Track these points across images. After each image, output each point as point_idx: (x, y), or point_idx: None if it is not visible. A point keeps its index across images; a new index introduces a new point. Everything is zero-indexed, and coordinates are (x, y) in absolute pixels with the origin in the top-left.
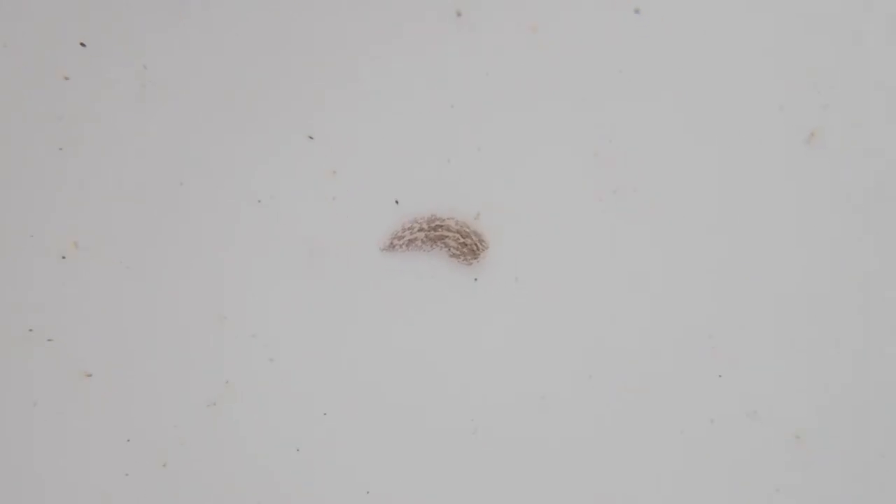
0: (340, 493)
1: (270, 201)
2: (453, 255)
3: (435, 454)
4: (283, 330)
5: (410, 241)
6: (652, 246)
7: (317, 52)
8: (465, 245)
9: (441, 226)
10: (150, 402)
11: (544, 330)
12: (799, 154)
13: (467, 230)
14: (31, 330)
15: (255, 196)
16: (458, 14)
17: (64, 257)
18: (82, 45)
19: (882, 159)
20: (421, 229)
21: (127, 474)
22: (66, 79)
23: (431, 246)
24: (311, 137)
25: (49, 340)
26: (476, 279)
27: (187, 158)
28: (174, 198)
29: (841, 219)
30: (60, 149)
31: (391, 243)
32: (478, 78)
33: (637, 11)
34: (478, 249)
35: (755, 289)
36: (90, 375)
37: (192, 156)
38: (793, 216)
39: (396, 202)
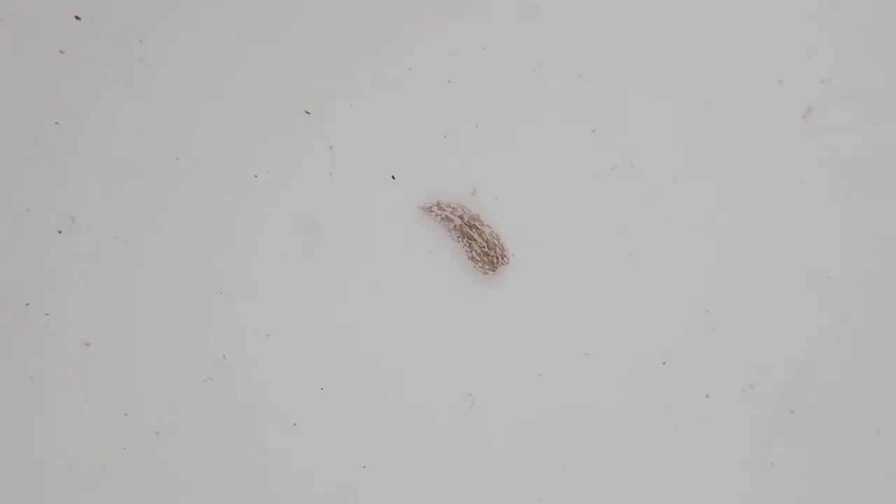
0: (337, 467)
1: (267, 176)
2: (472, 259)
3: (432, 429)
4: (279, 305)
5: (446, 218)
6: (649, 222)
7: (314, 28)
8: (486, 255)
9: (476, 227)
10: (147, 376)
11: (541, 306)
12: (796, 129)
13: (496, 242)
14: (27, 304)
15: (251, 171)
16: None
17: (60, 232)
18: (77, 18)
19: (879, 135)
20: (460, 217)
21: (125, 448)
22: (62, 53)
23: (458, 237)
24: (307, 112)
25: (46, 315)
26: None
27: (184, 133)
28: (171, 173)
29: (838, 194)
30: (56, 123)
31: (431, 208)
32: (475, 53)
33: None
34: (497, 262)
35: (752, 265)
36: (87, 350)
37: (189, 131)
38: (790, 191)
39: (393, 177)
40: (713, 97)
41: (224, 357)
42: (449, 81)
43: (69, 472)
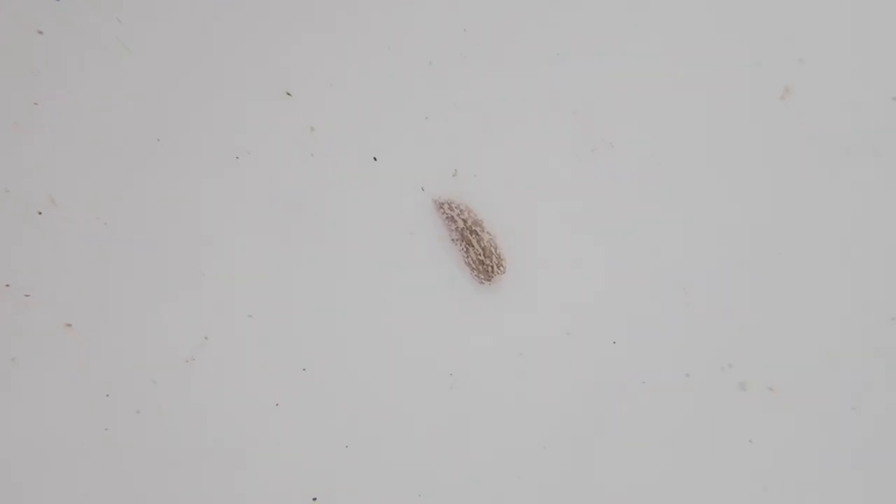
0: (319, 447)
1: (248, 157)
2: (467, 264)
3: (413, 409)
4: (261, 286)
5: (451, 219)
6: (628, 202)
7: (295, 8)
8: (482, 263)
9: (477, 233)
10: (128, 357)
11: (521, 286)
12: (774, 109)
13: (492, 251)
14: (7, 285)
15: (232, 152)
16: None
17: (40, 213)
18: None
19: (856, 114)
20: (464, 220)
21: (106, 429)
22: (40, 33)
23: (457, 240)
24: (288, 94)
25: (26, 296)
26: (454, 239)
27: (164, 114)
28: (151, 154)
29: (815, 173)
30: (35, 104)
31: (442, 205)
32: (456, 35)
33: None
34: (492, 272)
35: (730, 243)
36: (68, 331)
37: (169, 111)
38: (768, 171)
39: (374, 159)
40: (692, 78)
41: (206, 338)
42: (430, 63)
43: (50, 453)
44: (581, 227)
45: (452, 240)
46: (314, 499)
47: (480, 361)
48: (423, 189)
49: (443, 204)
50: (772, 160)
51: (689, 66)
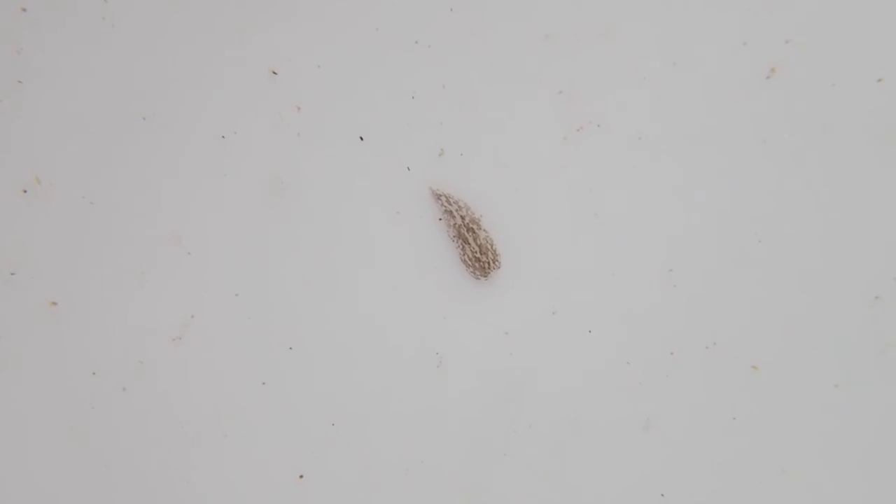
0: (306, 425)
1: (234, 137)
2: (463, 261)
3: (399, 387)
4: (247, 265)
5: (449, 213)
6: (614, 182)
7: None
8: (478, 260)
9: (474, 230)
10: (114, 336)
11: (508, 265)
12: (760, 89)
13: (488, 247)
14: None
15: (218, 131)
16: None
17: (25, 191)
18: None
19: (841, 94)
20: (462, 217)
21: (93, 407)
22: (24, 10)
23: (454, 237)
24: (274, 73)
25: (12, 275)
26: (440, 219)
27: (149, 93)
28: (136, 132)
29: (799, 154)
30: (20, 82)
31: (441, 196)
32: (442, 14)
33: None
34: (488, 268)
35: (715, 223)
36: (54, 309)
37: (155, 90)
38: (753, 151)
39: (361, 138)
40: (678, 58)
41: (192, 317)
42: (416, 42)
43: (36, 432)
44: (567, 207)
45: (449, 236)
46: (301, 476)
47: (467, 340)
48: (409, 169)
49: (441, 195)
50: (758, 140)
51: (675, 46)
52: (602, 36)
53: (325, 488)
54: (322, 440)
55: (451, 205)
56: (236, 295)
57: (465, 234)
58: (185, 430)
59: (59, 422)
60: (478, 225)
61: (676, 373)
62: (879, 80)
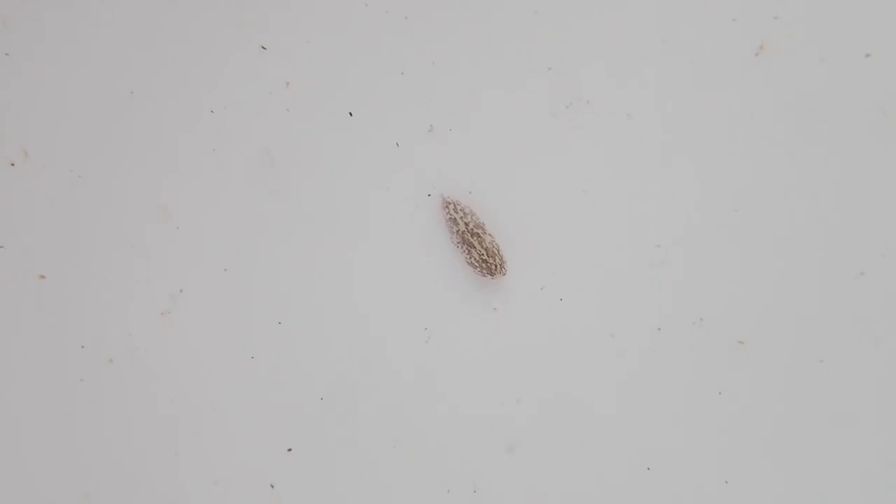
0: (294, 399)
1: (223, 111)
2: (470, 264)
3: (388, 362)
4: (236, 240)
5: (453, 220)
6: (603, 159)
7: None
8: (485, 262)
9: (478, 235)
10: (103, 309)
11: (491, 234)
12: (749, 66)
13: (495, 251)
14: None
15: (208, 106)
16: None
17: (13, 164)
18: None
19: (829, 70)
20: (466, 224)
21: (81, 380)
22: None
23: (458, 242)
24: (263, 48)
25: (0, 248)
26: (429, 194)
27: (138, 67)
28: (125, 106)
29: (788, 129)
30: (7, 54)
31: (448, 204)
32: None
33: None
34: (496, 270)
35: (702, 199)
36: (42, 283)
37: (143, 64)
38: (742, 127)
39: (350, 114)
40: (667, 34)
41: (181, 291)
42: (406, 18)
43: (25, 405)
44: (555, 183)
45: (453, 243)
46: (289, 450)
47: (455, 315)
48: (398, 145)
49: (449, 203)
50: (746, 116)
51: (664, 23)
52: (591, 13)
53: (313, 462)
54: (310, 415)
55: (456, 212)
56: (225, 269)
57: (470, 238)
58: (173, 405)
59: (48, 395)
60: (483, 230)
61: (663, 348)
62: (867, 56)
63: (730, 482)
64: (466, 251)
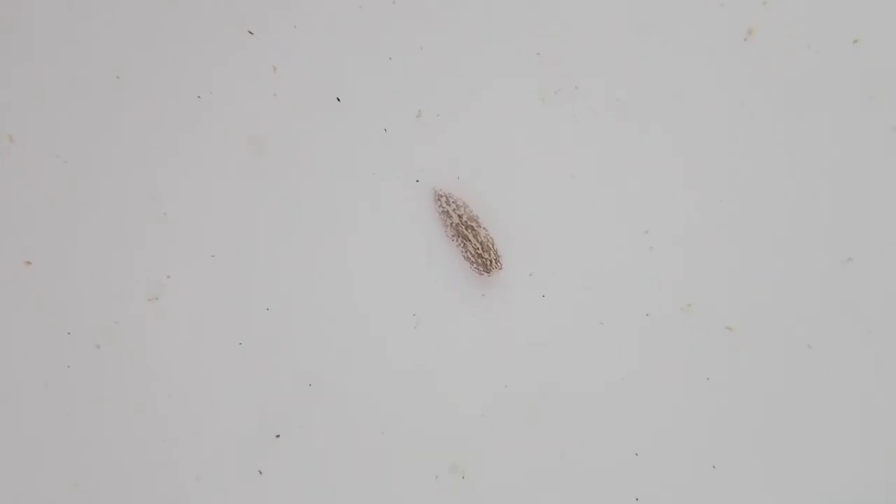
0: (282, 386)
1: (211, 97)
2: (466, 259)
3: (376, 348)
4: (224, 226)
5: (446, 213)
6: (592, 144)
7: None
8: (480, 257)
9: (473, 228)
10: (90, 296)
11: (485, 227)
12: (737, 51)
13: (490, 245)
14: None
15: (195, 91)
16: None
17: None
18: None
19: (817, 55)
20: (459, 216)
21: (68, 366)
22: None
23: (453, 236)
24: (250, 32)
25: None
26: (418, 180)
27: (125, 51)
28: (111, 92)
29: (776, 115)
30: None
31: (440, 196)
32: None
33: None
34: (491, 266)
35: (690, 185)
36: (28, 269)
37: (130, 49)
38: (731, 113)
39: (338, 99)
40: (656, 19)
41: (168, 277)
42: (394, 2)
43: (11, 391)
44: (544, 168)
45: (448, 236)
46: (277, 435)
47: (443, 301)
48: (385, 130)
49: (441, 196)
50: (734, 101)
51: (653, 8)
52: None
53: (301, 448)
54: (299, 400)
55: (448, 205)
56: (213, 256)
57: (465, 231)
58: (160, 391)
59: (35, 381)
60: (477, 223)
61: (651, 334)
62: (855, 41)
63: (717, 467)
64: (462, 245)
